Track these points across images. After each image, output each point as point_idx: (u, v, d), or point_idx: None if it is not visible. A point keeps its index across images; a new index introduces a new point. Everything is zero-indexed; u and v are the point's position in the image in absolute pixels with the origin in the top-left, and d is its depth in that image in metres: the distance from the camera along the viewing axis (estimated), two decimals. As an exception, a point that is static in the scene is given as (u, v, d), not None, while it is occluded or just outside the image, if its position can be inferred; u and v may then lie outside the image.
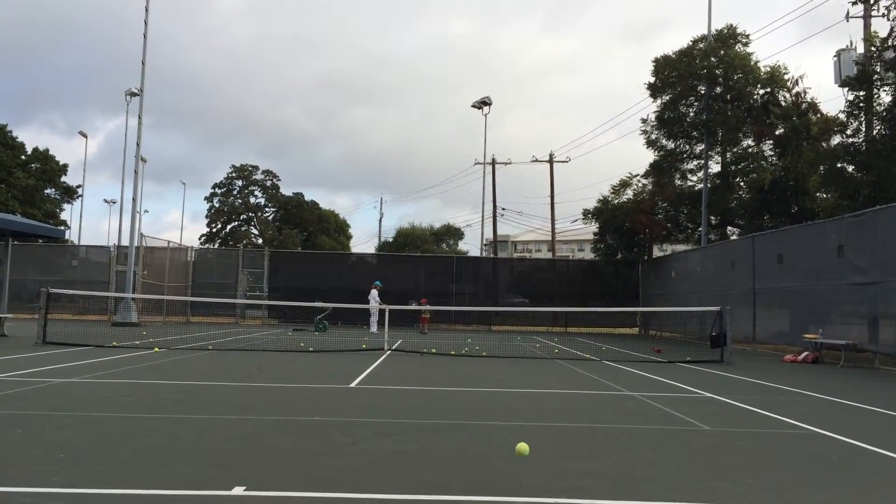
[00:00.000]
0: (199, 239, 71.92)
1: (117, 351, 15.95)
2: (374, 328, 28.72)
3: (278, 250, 45.50)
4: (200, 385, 10.48)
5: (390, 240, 75.81)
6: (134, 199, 30.77)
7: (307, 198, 73.17)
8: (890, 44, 21.57)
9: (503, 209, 65.43)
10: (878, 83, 23.11)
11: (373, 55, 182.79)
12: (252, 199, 72.61)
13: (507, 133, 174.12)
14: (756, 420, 8.64)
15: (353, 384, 11.12)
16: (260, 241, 68.09)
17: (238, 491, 4.73)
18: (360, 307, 26.69)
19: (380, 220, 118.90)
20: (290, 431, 7.02)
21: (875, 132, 22.99)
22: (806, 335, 18.61)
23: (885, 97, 23.03)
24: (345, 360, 15.60)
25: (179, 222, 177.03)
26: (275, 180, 72.69)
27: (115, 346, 17.06)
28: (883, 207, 17.57)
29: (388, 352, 17.87)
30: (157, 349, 16.60)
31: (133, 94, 40.13)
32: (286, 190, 74.37)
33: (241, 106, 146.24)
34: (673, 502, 4.80)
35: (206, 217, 71.48)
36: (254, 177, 72.51)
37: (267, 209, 73.24)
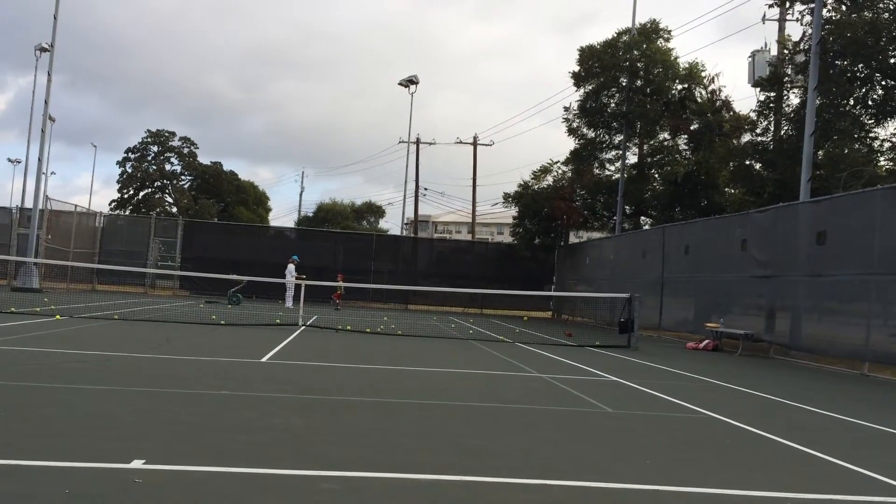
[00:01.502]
0: (110, 205, 69.23)
1: (16, 317, 15.26)
2: (289, 303, 28.38)
3: (193, 220, 44.27)
4: (104, 355, 10.15)
5: (311, 215, 74.92)
6: (40, 160, 29.34)
7: (226, 168, 71.38)
8: (801, 48, 22.52)
9: (426, 189, 65.45)
10: (789, 85, 24.16)
11: (306, 27, 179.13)
12: (168, 167, 70.26)
13: (436, 114, 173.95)
14: (657, 404, 8.98)
15: (264, 359, 10.98)
16: (174, 209, 66.07)
17: (137, 464, 4.62)
18: (276, 281, 26.29)
19: (300, 194, 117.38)
20: (195, 405, 6.89)
21: (783, 132, 24.04)
22: (708, 324, 19.41)
23: (794, 99, 24.11)
24: (257, 334, 15.38)
25: (90, 186, 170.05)
26: (192, 148, 70.55)
27: (13, 311, 16.30)
28: (785, 205, 18.43)
29: (303, 327, 17.70)
30: (58, 317, 15.96)
31: (43, 50, 38.08)
32: (205, 159, 72.38)
33: (162, 70, 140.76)
34: (574, 481, 4.95)
35: (118, 182, 68.85)
36: (170, 143, 70.14)
37: (183, 177, 71.06)
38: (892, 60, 20.88)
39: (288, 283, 27.58)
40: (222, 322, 17.69)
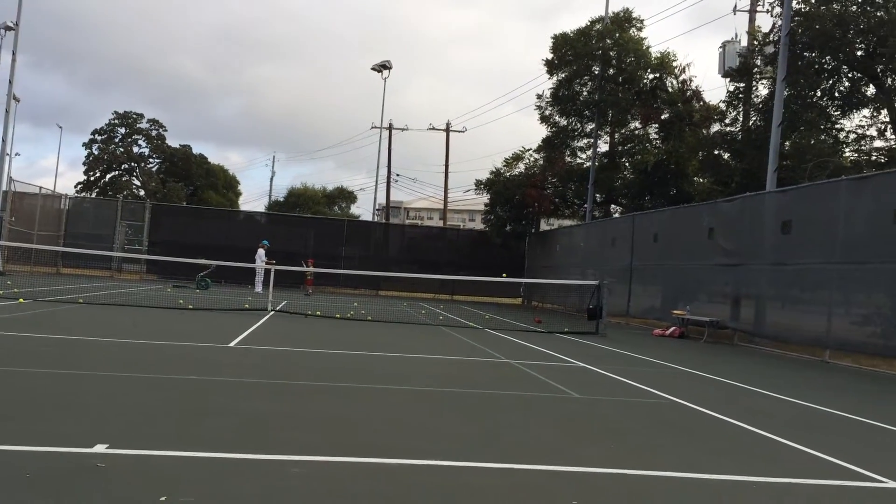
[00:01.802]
0: (76, 187, 68.02)
1: (-23, 301, 14.98)
2: (258, 288, 28.18)
3: (161, 203, 43.71)
4: (67, 339, 10.01)
5: (282, 199, 74.31)
6: (3, 141, 28.75)
7: (196, 151, 70.46)
8: (771, 39, 22.77)
9: (397, 175, 65.34)
10: (758, 76, 24.44)
11: (279, 9, 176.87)
12: (135, 149, 69.14)
13: (409, 100, 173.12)
14: (622, 389, 9.09)
15: (232, 344, 10.91)
16: (142, 193, 65.11)
17: (99, 448, 4.57)
18: (245, 266, 26.08)
19: (271, 179, 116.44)
20: (161, 390, 6.83)
21: (751, 123, 24.34)
22: (675, 311, 19.65)
23: (762, 90, 24.41)
24: (226, 319, 15.26)
25: (55, 168, 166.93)
26: (161, 130, 69.52)
27: (-26, 295, 16.00)
28: (751, 195, 18.68)
29: (272, 312, 17.61)
30: (21, 300, 15.69)
31: (8, 29, 37.19)
32: (174, 142, 71.34)
33: (132, 51, 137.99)
34: (539, 465, 5.00)
35: (84, 165, 67.64)
36: (138, 125, 69.02)
37: (151, 160, 70.02)
38: (858, 53, 21.21)
39: (258, 267, 27.39)
40: (190, 307, 17.53)
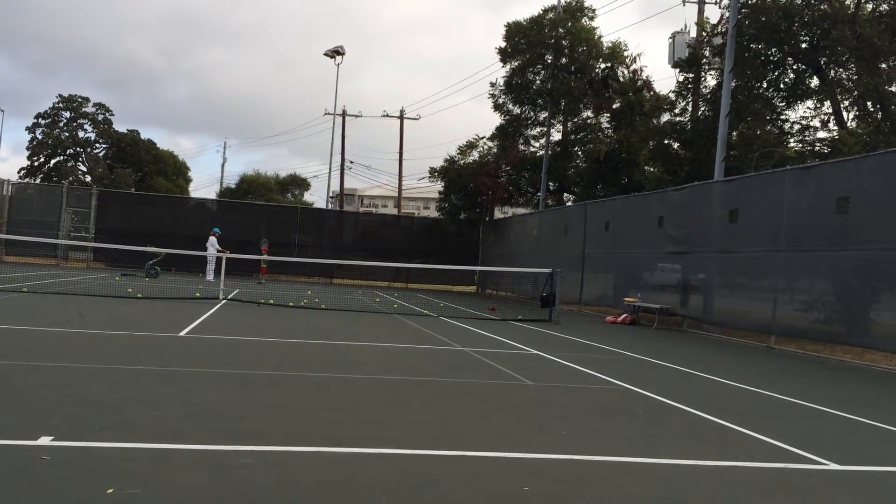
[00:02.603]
0: (19, 173, 65.93)
1: (-87, 290, 14.45)
2: (210, 276, 27.74)
3: (108, 190, 42.65)
4: (10, 329, 9.73)
5: (233, 186, 73.18)
6: (-61, 124, 27.67)
7: (145, 136, 68.87)
8: (719, 30, 23.16)
9: (351, 162, 64.89)
10: (706, 67, 24.85)
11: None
12: (81, 134, 67.24)
13: (365, 87, 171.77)
14: (575, 376, 9.21)
15: (181, 333, 10.73)
16: (88, 178, 63.44)
17: (44, 441, 4.46)
18: (196, 254, 25.65)
19: (222, 165, 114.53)
20: (108, 380, 6.68)
21: (700, 113, 24.74)
22: (626, 298, 19.96)
23: (711, 81, 24.83)
24: (175, 308, 15.00)
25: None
26: (107, 114, 67.70)
27: (-90, 284, 15.43)
28: (699, 184, 19.04)
29: (224, 301, 17.37)
30: (-39, 290, 15.20)
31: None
32: (122, 126, 69.63)
33: (79, 34, 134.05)
34: (492, 452, 5.04)
35: (28, 150, 65.59)
36: (84, 109, 67.09)
37: (98, 145, 68.20)
38: (803, 45, 21.71)
39: (209, 255, 26.96)
40: (139, 295, 17.19)
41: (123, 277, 24.99)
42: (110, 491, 3.69)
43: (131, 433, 4.85)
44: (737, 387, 9.13)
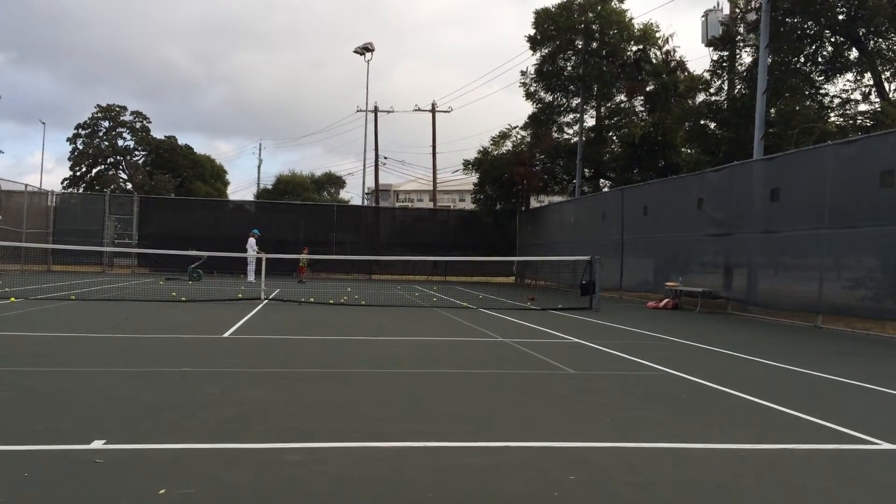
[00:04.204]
0: (63, 183, 67.50)
1: (-32, 302, 14.90)
2: (251, 277, 28.12)
3: (149, 196, 43.44)
4: (60, 336, 9.98)
5: (270, 187, 73.98)
6: (-15, 139, 28.41)
7: (184, 142, 69.93)
8: (753, 6, 22.70)
9: (385, 158, 65.07)
10: (741, 44, 24.40)
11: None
12: (120, 142, 68.52)
13: (397, 83, 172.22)
14: (617, 363, 9.15)
15: (226, 334, 10.90)
16: (129, 186, 64.68)
17: (97, 444, 4.58)
18: (236, 256, 26.01)
19: (258, 167, 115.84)
20: (156, 383, 6.83)
21: (736, 91, 24.31)
22: (667, 283, 19.74)
23: (746, 58, 24.38)
24: (219, 309, 15.24)
25: (41, 165, 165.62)
26: (145, 122, 68.89)
27: (-35, 296, 15.91)
28: (739, 164, 18.71)
29: (265, 301, 17.60)
30: (13, 299, 15.62)
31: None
32: (161, 133, 70.73)
33: (117, 44, 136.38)
34: (535, 442, 5.03)
35: (70, 160, 67.08)
36: (122, 118, 68.36)
37: (137, 153, 69.47)
38: (840, 17, 21.18)
39: (249, 257, 27.33)
40: (183, 298, 17.49)
41: (167, 281, 25.46)
42: (162, 492, 3.77)
43: (180, 434, 4.95)
44: (783, 368, 8.97)
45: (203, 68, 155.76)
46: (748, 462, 4.78)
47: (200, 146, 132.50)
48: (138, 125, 68.92)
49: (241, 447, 4.68)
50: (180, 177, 66.61)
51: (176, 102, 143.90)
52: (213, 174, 71.43)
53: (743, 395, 7.05)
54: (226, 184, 75.11)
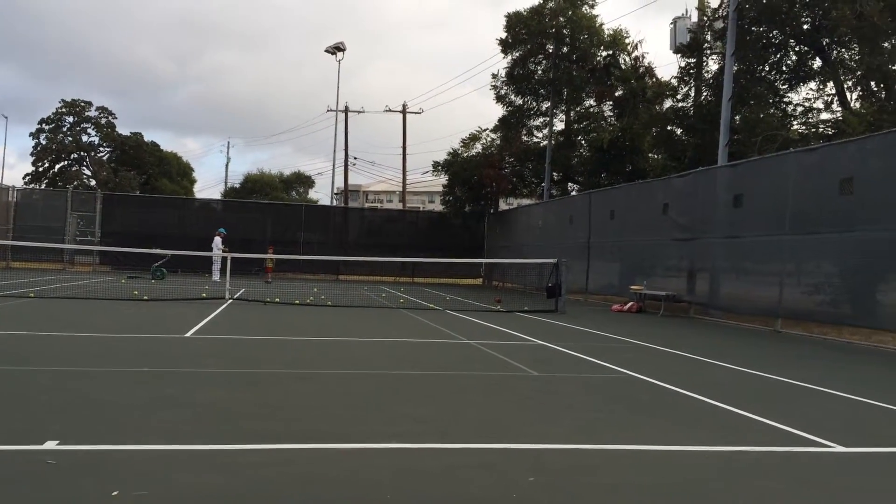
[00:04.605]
0: (24, 179, 66.19)
1: (-78, 299, 14.54)
2: (216, 277, 27.80)
3: (113, 193, 42.77)
4: (17, 335, 9.78)
5: (238, 186, 73.31)
6: (-57, 132, 27.75)
7: (150, 139, 68.98)
8: (720, 14, 23.02)
9: (355, 158, 64.95)
10: (708, 51, 24.73)
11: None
12: (84, 138, 67.35)
13: (368, 84, 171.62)
14: (581, 365, 9.21)
15: (188, 334, 10.76)
16: (93, 182, 63.60)
17: (50, 445, 4.49)
18: (202, 255, 25.72)
19: (226, 165, 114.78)
20: (113, 383, 6.72)
21: (702, 98, 24.64)
22: (632, 286, 19.93)
23: (712, 65, 24.71)
24: (182, 309, 15.06)
25: (1, 160, 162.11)
26: (110, 118, 67.81)
27: (-81, 293, 15.52)
28: (703, 170, 18.96)
29: (230, 301, 17.42)
30: (-31, 297, 15.27)
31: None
32: (129, 130, 69.72)
33: (86, 39, 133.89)
34: (498, 443, 5.04)
35: (32, 155, 65.77)
36: (87, 113, 67.20)
37: (101, 149, 68.34)
38: (805, 26, 21.57)
39: (214, 256, 27.03)
40: (145, 297, 17.25)
41: (130, 280, 25.08)
42: (115, 493, 3.71)
43: (136, 435, 4.88)
44: (743, 371, 9.11)
45: (174, 66, 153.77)
46: (706, 464, 4.84)
47: (168, 143, 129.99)
48: (103, 121, 67.83)
49: (198, 448, 4.62)
50: (146, 174, 65.68)
51: (144, 99, 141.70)
52: (180, 172, 70.58)
53: (703, 397, 7.14)
54: (192, 182, 74.28)
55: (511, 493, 4.00)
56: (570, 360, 9.70)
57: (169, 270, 27.95)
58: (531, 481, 4.23)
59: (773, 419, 6.18)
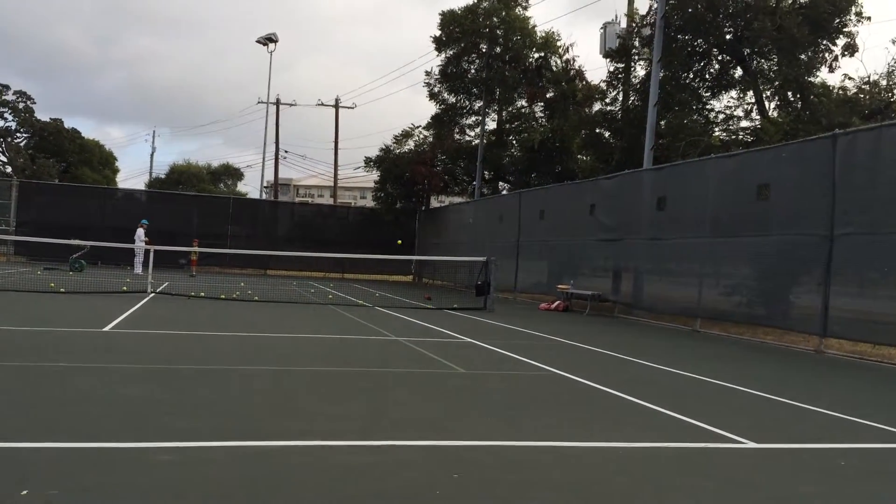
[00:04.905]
0: (-68, 164, 62.87)
1: None
2: (138, 269, 27.02)
3: (30, 181, 41.05)
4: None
5: (163, 177, 71.42)
6: None
7: (71, 125, 66.47)
8: (648, 21, 23.58)
9: (286, 152, 64.05)
10: (636, 57, 25.30)
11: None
12: (0, 123, 64.49)
13: (301, 77, 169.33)
14: (506, 363, 9.32)
15: (107, 328, 10.43)
16: (9, 169, 60.90)
17: (-48, 444, 4.30)
18: (124, 246, 24.95)
19: (151, 155, 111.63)
20: (26, 378, 6.46)
21: (630, 102, 25.20)
22: (559, 286, 20.26)
23: (640, 71, 25.29)
24: (101, 302, 14.58)
25: None
26: (29, 103, 65.03)
27: None
28: (629, 172, 19.43)
29: (152, 294, 16.95)
30: None
31: None
32: (49, 115, 66.92)
33: (3, 16, 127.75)
34: (421, 441, 5.06)
35: (-59, 139, 62.53)
36: (3, 97, 64.29)
37: (18, 135, 65.48)
38: (727, 36, 22.29)
39: (137, 248, 26.26)
40: (62, 290, 16.63)
41: (46, 272, 24.13)
42: (24, 493, 3.57)
43: (48, 433, 4.70)
44: (663, 370, 9.38)
45: (99, 50, 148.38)
46: (624, 460, 4.97)
47: (90, 131, 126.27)
48: (21, 105, 65.00)
49: (112, 446, 4.49)
50: (66, 162, 63.29)
51: (66, 84, 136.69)
52: (102, 161, 68.27)
53: (623, 395, 7.32)
54: (115, 171, 71.99)
55: (434, 490, 4.02)
56: (496, 357, 9.80)
57: (89, 262, 27.00)
58: (454, 478, 4.26)
59: (689, 416, 6.39)
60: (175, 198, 41.23)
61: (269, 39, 47.71)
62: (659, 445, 5.35)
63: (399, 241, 20.93)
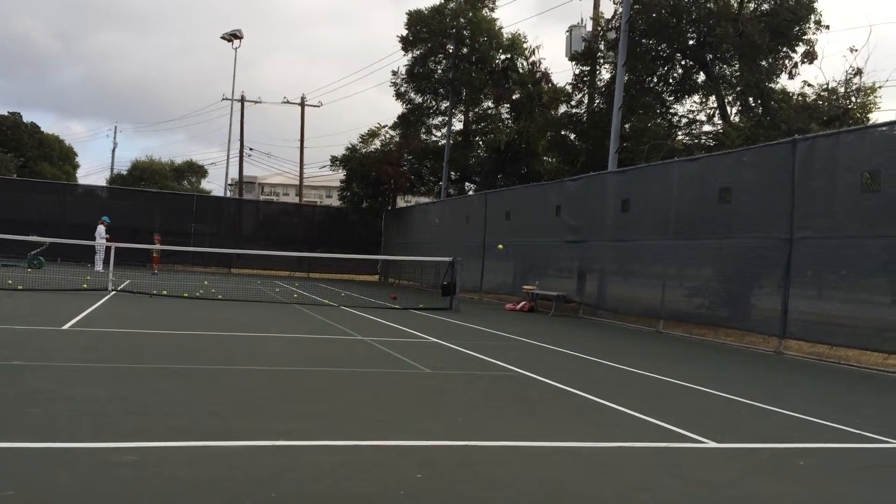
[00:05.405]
0: None
1: None
2: (98, 267, 26.54)
3: (-14, 176, 40.11)
4: None
5: (125, 173, 70.25)
6: None
7: (30, 119, 65.05)
8: (613, 25, 23.81)
9: (251, 149, 63.41)
10: (601, 61, 25.52)
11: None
12: (-45, 116, 62.87)
13: (267, 74, 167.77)
14: (472, 363, 9.34)
15: (65, 326, 10.23)
16: (-36, 164, 59.38)
17: None
18: (84, 243, 24.50)
19: (113, 150, 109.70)
20: (-20, 378, 6.31)
21: (595, 105, 25.42)
22: (525, 286, 20.36)
23: (605, 74, 25.50)
24: (60, 300, 14.29)
25: None
26: (-15, 96, 63.56)
27: None
28: (594, 174, 19.60)
29: (113, 292, 16.66)
30: None
31: None
32: (4, 109, 65.50)
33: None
34: (387, 441, 5.05)
35: None
36: (-43, 89, 62.70)
37: (-26, 129, 63.92)
38: (690, 42, 22.59)
39: (97, 245, 25.79)
40: (20, 287, 16.27)
41: (3, 268, 23.58)
42: (-22, 495, 3.49)
43: (5, 433, 4.60)
44: (625, 370, 9.48)
45: (60, 43, 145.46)
46: (588, 460, 5.01)
47: (50, 126, 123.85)
48: (-23, 98, 63.31)
49: (70, 446, 4.40)
50: (24, 157, 61.91)
51: (25, 78, 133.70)
52: (62, 156, 66.97)
53: (587, 395, 7.38)
54: (76, 167, 70.70)
55: (399, 490, 4.02)
56: (461, 357, 9.82)
57: (48, 259, 26.46)
58: (419, 478, 4.26)
59: (651, 416, 6.46)
60: (137, 194, 40.58)
61: (234, 36, 47.21)
62: (622, 445, 5.41)
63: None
